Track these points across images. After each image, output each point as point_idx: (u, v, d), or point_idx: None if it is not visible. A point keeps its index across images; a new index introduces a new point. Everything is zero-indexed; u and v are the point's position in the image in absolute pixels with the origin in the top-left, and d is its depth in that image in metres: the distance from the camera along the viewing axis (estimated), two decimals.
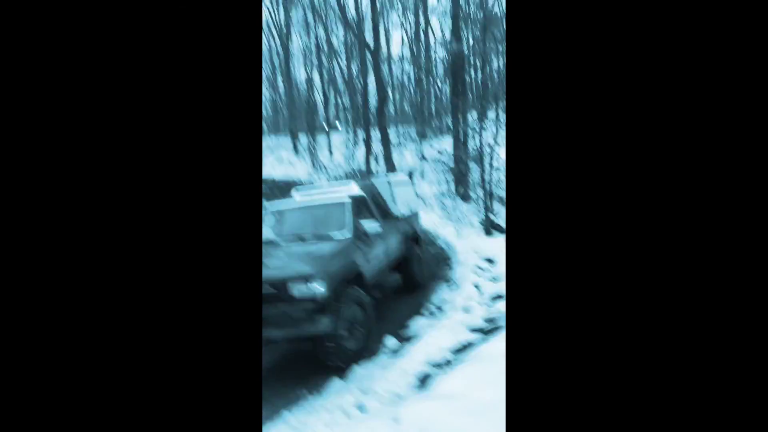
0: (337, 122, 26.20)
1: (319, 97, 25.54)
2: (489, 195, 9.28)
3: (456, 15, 13.01)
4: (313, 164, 18.77)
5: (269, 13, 24.91)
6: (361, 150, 17.71)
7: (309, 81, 23.87)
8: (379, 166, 16.68)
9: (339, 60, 23.93)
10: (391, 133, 17.55)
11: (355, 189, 5.11)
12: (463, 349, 3.80)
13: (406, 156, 17.50)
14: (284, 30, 23.52)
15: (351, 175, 13.25)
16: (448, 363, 3.57)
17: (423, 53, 22.86)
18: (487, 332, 4.07)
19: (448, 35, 17.99)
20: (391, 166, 16.20)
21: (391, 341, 4.20)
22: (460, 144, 11.72)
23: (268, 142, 25.44)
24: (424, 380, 3.38)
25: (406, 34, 25.16)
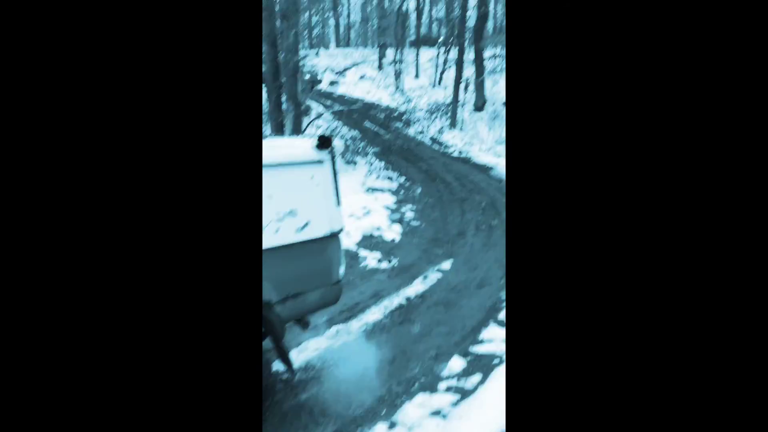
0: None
1: (412, 7, 23.15)
2: None
3: None
4: (396, 87, 17.39)
5: None
6: (450, 73, 15.93)
7: None
8: (466, 94, 15.00)
9: None
10: (487, 55, 15.48)
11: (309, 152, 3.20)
12: None
13: (500, 84, 15.52)
14: None
15: (432, 108, 11.89)
16: None
17: None
18: None
19: None
20: (481, 95, 14.50)
21: None
22: None
23: (354, 55, 24.12)
24: None
25: None
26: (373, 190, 8.52)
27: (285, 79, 7.85)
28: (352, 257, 5.70)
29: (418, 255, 5.92)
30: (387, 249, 6.11)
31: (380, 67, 21.20)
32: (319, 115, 11.16)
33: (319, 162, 3.21)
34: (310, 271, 3.25)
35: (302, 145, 3.26)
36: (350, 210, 7.03)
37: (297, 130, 8.24)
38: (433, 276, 5.27)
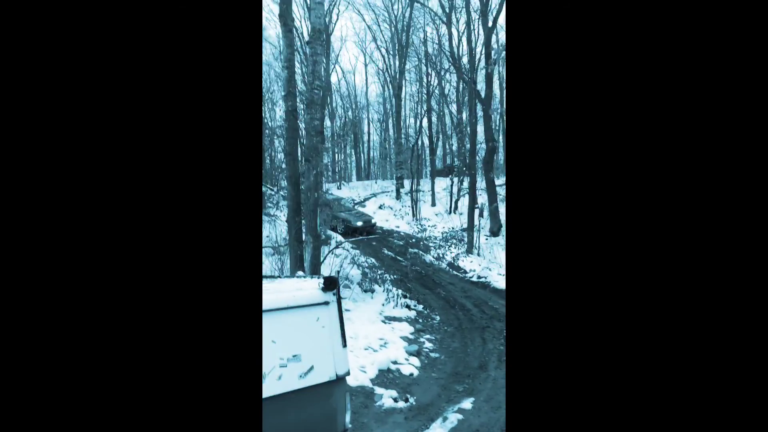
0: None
1: (426, 143, 25.22)
2: None
3: None
4: (413, 214, 18.14)
5: (384, 61, 25.73)
6: (465, 201, 16.67)
7: (419, 126, 23.76)
8: (483, 219, 15.47)
9: (449, 107, 23.56)
10: (499, 183, 16.32)
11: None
12: None
13: None
14: (396, 78, 23.96)
15: (449, 235, 12.19)
16: None
17: None
18: None
19: None
20: (496, 220, 14.93)
21: None
22: None
23: (374, 187, 25.70)
24: None
25: None
26: (391, 319, 8.37)
27: (305, 213, 8.35)
28: (368, 395, 5.40)
29: (437, 392, 5.57)
30: (404, 385, 5.79)
31: (398, 196, 22.37)
32: (338, 244, 11.55)
33: (325, 303, 3.17)
34: (313, 419, 3.05)
35: (308, 287, 3.25)
36: (367, 342, 6.85)
37: (316, 260, 8.48)
38: (452, 417, 4.89)
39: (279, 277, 4.23)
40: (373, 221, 15.49)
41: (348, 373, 3.27)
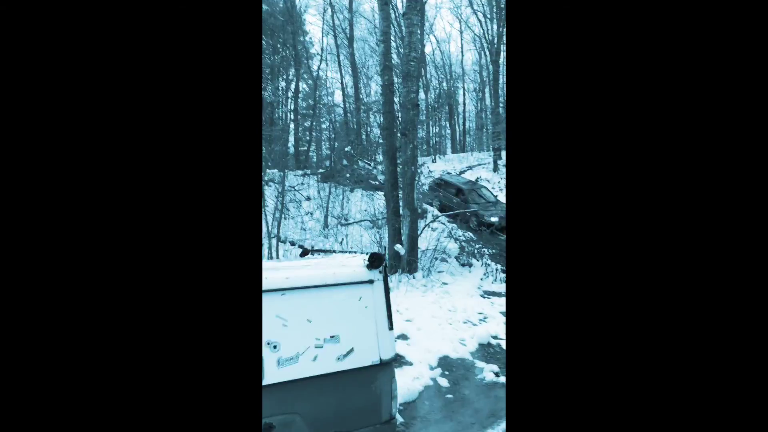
0: None
1: None
2: None
3: None
4: None
5: (481, 26, 24.57)
6: None
7: None
8: None
9: None
10: None
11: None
12: None
13: None
14: (495, 43, 22.78)
15: None
16: None
17: None
18: None
19: None
20: None
21: None
22: None
23: (470, 159, 25.06)
24: None
25: None
26: (490, 294, 8.24)
27: (402, 187, 8.43)
28: (468, 368, 5.41)
29: None
30: (505, 360, 5.70)
31: (495, 168, 21.58)
32: (435, 218, 11.55)
33: (369, 282, 2.94)
34: (354, 405, 2.85)
35: (353, 264, 3.04)
36: (466, 316, 6.83)
37: (414, 233, 8.58)
38: None
39: (334, 252, 4.11)
40: None
41: (395, 359, 3.05)
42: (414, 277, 8.32)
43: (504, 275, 9.09)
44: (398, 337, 5.82)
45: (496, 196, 13.65)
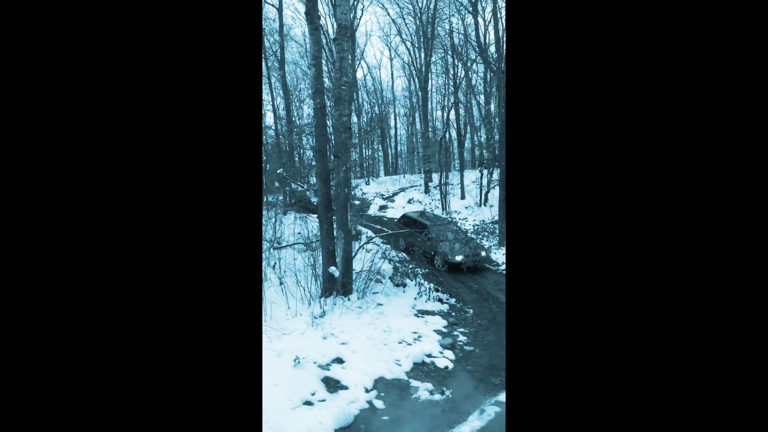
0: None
1: (453, 135, 24.97)
2: None
3: None
4: (443, 208, 18.02)
5: (410, 54, 25.58)
6: (495, 193, 16.43)
7: (446, 119, 23.55)
8: None
9: (477, 98, 23.23)
10: None
11: None
12: None
13: None
14: (422, 71, 23.78)
15: (480, 227, 12.00)
16: None
17: None
18: None
19: None
20: None
21: None
22: None
23: (402, 181, 25.64)
24: None
25: None
26: (424, 313, 8.37)
27: (336, 209, 8.43)
28: (403, 388, 5.43)
29: (474, 385, 5.55)
30: (440, 378, 5.79)
31: (427, 190, 22.25)
32: (369, 239, 11.62)
33: None
34: None
35: None
36: (401, 336, 6.88)
37: (348, 255, 8.55)
38: (490, 410, 4.86)
39: None
40: (483, 254, 11.24)
41: None
42: (349, 299, 8.26)
43: (437, 294, 9.31)
44: (333, 361, 5.72)
45: (466, 232, 12.96)
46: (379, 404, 5.01)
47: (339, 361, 5.79)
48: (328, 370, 5.48)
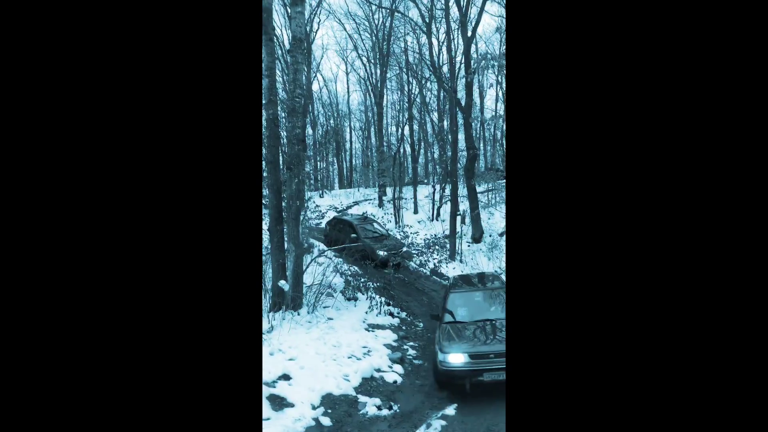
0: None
1: (407, 150, 25.40)
2: None
3: None
4: (396, 222, 18.18)
5: (365, 70, 25.89)
6: (447, 208, 16.79)
7: (400, 134, 23.91)
8: (465, 226, 15.60)
9: (431, 115, 23.79)
10: (481, 190, 16.50)
11: None
12: None
13: (496, 216, 16.24)
14: (378, 86, 24.11)
15: (431, 242, 12.24)
16: None
17: None
18: None
19: None
20: (477, 227, 15.08)
21: None
22: None
23: (356, 195, 25.66)
24: None
25: (502, 93, 24.38)
26: (374, 327, 8.35)
27: (287, 222, 8.29)
28: (351, 404, 5.36)
29: (421, 399, 5.57)
30: (388, 392, 5.77)
31: (380, 204, 22.39)
32: (321, 252, 11.48)
33: None
34: None
35: None
36: (350, 350, 6.81)
37: (299, 268, 8.41)
38: (436, 423, 4.89)
39: None
40: (404, 249, 12.07)
41: None
42: (299, 314, 8.10)
43: (388, 308, 9.32)
44: (280, 378, 5.57)
45: (388, 230, 13.95)
46: (325, 421, 4.92)
47: (286, 377, 5.64)
48: (274, 387, 5.33)
